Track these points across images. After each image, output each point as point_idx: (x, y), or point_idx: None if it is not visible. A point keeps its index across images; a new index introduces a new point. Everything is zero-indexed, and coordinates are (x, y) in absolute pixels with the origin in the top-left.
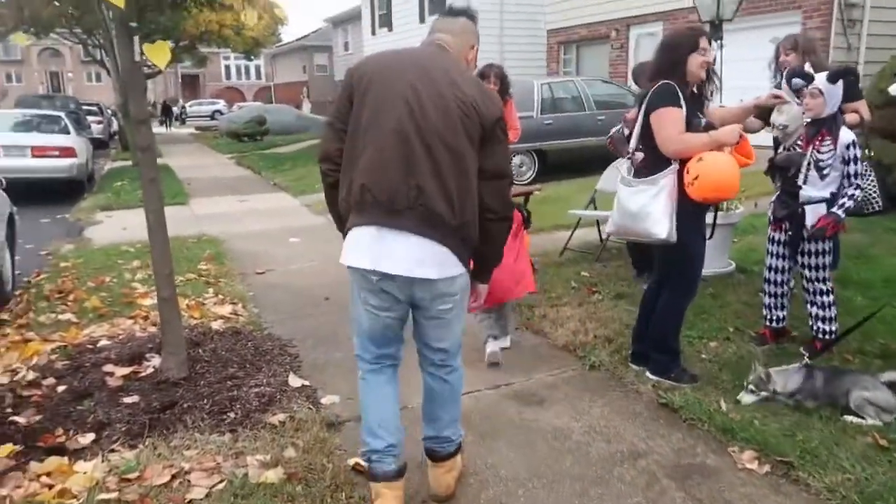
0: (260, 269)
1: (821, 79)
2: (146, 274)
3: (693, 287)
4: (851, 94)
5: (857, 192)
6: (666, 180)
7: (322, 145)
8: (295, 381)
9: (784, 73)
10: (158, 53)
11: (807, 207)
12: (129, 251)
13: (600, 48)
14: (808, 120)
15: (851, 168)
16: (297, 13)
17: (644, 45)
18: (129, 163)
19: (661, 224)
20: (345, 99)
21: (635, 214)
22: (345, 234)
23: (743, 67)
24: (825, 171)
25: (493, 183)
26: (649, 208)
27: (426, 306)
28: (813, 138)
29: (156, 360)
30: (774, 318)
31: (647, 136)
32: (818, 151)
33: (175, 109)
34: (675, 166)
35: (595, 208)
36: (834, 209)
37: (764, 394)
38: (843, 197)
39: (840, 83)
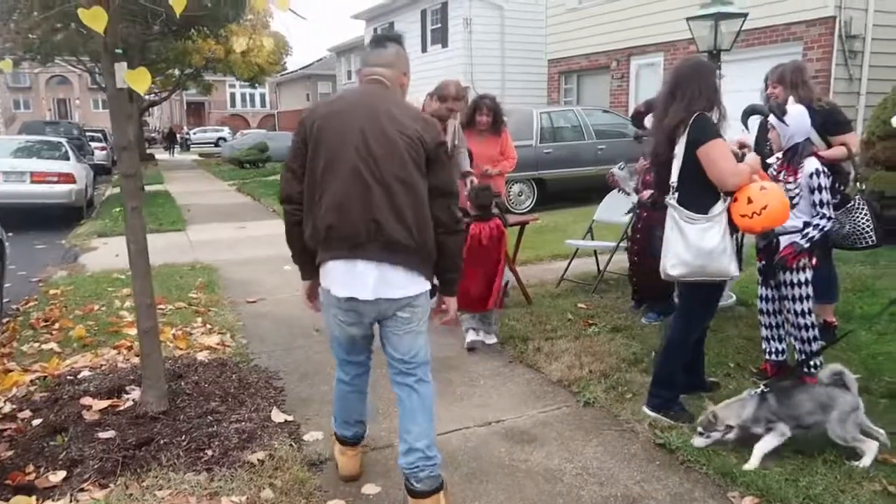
0: (251, 297)
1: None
2: None
3: (709, 321)
4: (835, 126)
5: (824, 222)
6: (724, 214)
7: (283, 188)
8: (278, 416)
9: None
10: (138, 80)
11: (781, 237)
12: (120, 278)
13: (601, 78)
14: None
15: (817, 197)
16: (303, 43)
17: (644, 76)
18: None
19: (733, 261)
20: (300, 143)
21: (710, 252)
22: (304, 267)
23: (743, 98)
24: (794, 202)
25: (441, 200)
26: (723, 245)
27: (390, 319)
28: (778, 171)
29: (136, 393)
30: (774, 350)
31: (690, 170)
32: (785, 183)
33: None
34: (728, 199)
35: (592, 238)
36: (797, 238)
37: (715, 435)
38: (808, 227)
39: (799, 115)
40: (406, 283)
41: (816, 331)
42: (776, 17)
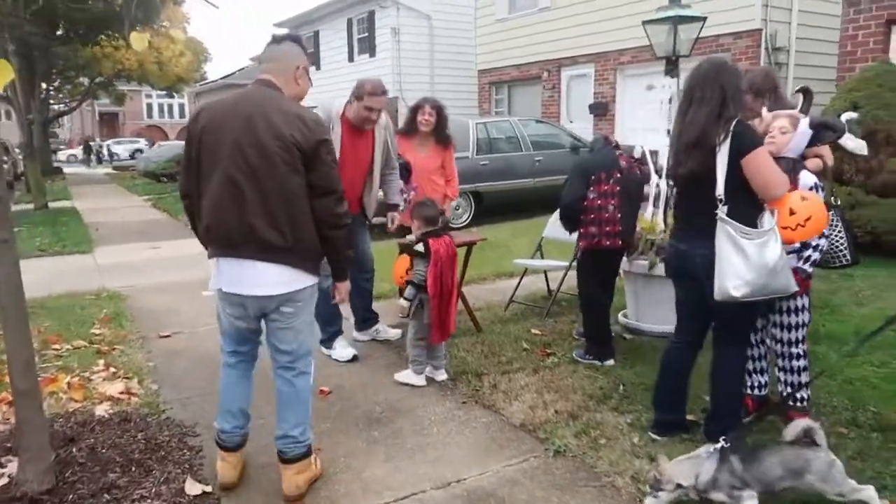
0: (165, 331)
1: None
2: None
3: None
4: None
5: (823, 241)
6: (775, 227)
7: (181, 184)
8: (193, 487)
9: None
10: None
11: None
12: None
13: (532, 88)
14: None
15: None
16: (224, 51)
17: (576, 86)
18: (32, 206)
19: (791, 276)
20: (188, 145)
21: (774, 269)
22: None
23: (673, 108)
24: None
25: (323, 199)
26: (783, 259)
27: (273, 314)
28: None
29: (13, 466)
30: (756, 384)
31: (734, 182)
32: None
33: (70, 151)
34: (774, 211)
35: (542, 257)
36: (799, 264)
37: (665, 495)
38: (807, 248)
39: (804, 130)
40: (285, 280)
41: (807, 360)
42: (705, 29)
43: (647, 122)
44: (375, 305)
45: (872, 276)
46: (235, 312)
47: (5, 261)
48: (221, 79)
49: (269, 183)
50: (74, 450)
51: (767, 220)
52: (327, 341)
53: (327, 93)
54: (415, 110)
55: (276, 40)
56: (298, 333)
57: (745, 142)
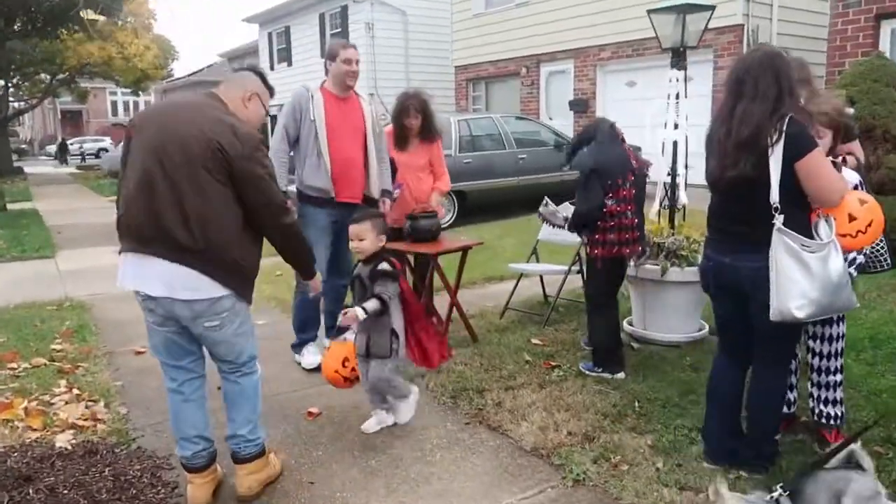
0: (133, 345)
1: None
2: None
3: None
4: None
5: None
6: (835, 236)
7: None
8: None
9: None
10: None
11: None
12: None
13: (510, 85)
14: None
15: None
16: (191, 47)
17: (555, 83)
18: None
19: (852, 290)
20: (125, 145)
21: (838, 285)
22: None
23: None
24: None
25: (265, 215)
26: (846, 272)
27: (190, 325)
28: None
29: None
30: (785, 401)
31: (789, 187)
32: None
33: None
34: (830, 218)
35: (538, 260)
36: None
37: None
38: (852, 251)
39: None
40: (192, 285)
41: (842, 375)
42: None
43: (653, 117)
44: None
45: (873, 278)
46: (155, 319)
47: None
48: (188, 75)
49: (185, 182)
50: (31, 491)
51: (824, 228)
52: (298, 346)
53: None
54: (399, 112)
55: (237, 69)
56: (233, 345)
57: (800, 143)
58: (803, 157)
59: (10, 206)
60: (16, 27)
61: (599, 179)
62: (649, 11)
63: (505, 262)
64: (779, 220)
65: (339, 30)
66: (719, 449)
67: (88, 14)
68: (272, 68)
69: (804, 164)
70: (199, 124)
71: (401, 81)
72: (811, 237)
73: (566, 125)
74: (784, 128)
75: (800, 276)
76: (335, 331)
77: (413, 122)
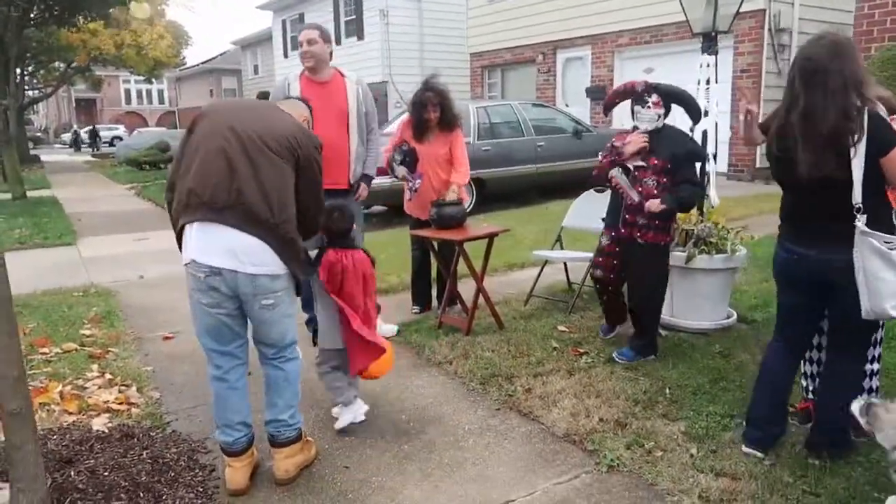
0: (162, 330)
1: None
2: None
3: None
4: None
5: None
6: None
7: (169, 177)
8: None
9: None
10: None
11: None
12: None
13: (526, 72)
14: None
15: None
16: (205, 35)
17: (572, 69)
18: (9, 196)
19: None
20: (187, 133)
21: None
22: (179, 239)
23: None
24: None
25: (307, 199)
26: None
27: (249, 302)
28: None
29: (4, 493)
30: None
31: (872, 184)
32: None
33: (67, 135)
34: None
35: (562, 247)
36: None
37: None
38: None
39: None
40: (263, 259)
41: (881, 363)
42: None
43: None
44: (379, 299)
45: None
46: (212, 300)
47: None
48: (202, 63)
49: (264, 161)
50: (73, 473)
51: None
52: (311, 322)
53: None
54: (419, 105)
55: (288, 97)
56: (281, 326)
57: (884, 138)
58: (889, 152)
59: (29, 194)
60: (32, 15)
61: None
62: None
63: (526, 249)
64: (861, 220)
65: (353, 16)
66: (766, 436)
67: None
68: (286, 55)
69: (890, 159)
70: (276, 118)
71: (415, 69)
72: (893, 229)
73: (583, 112)
74: (864, 123)
75: (890, 276)
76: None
77: (432, 114)
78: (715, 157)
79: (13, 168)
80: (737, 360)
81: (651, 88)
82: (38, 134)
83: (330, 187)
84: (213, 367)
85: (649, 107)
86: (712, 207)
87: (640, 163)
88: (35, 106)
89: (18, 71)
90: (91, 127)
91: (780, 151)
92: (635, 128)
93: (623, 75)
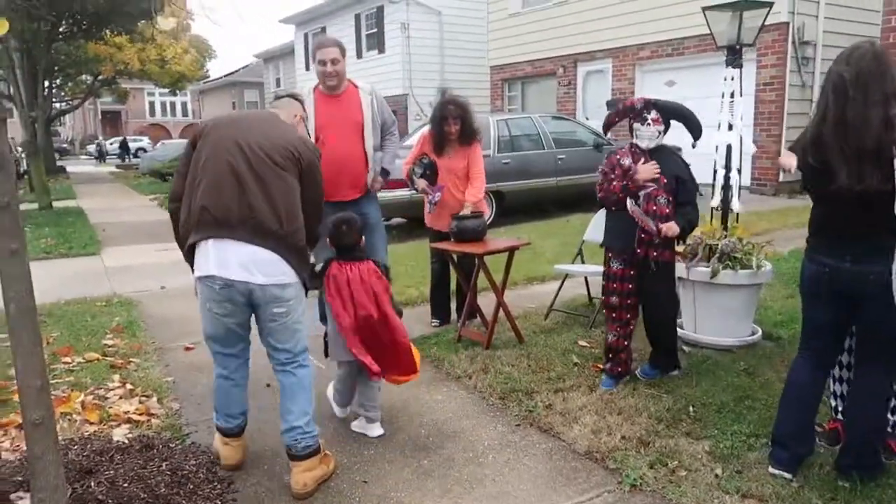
0: (183, 340)
1: None
2: None
3: None
4: None
5: None
6: None
7: (173, 187)
8: None
9: None
10: None
11: None
12: None
13: (547, 85)
14: None
15: None
16: (228, 48)
17: (593, 82)
18: (36, 206)
19: None
20: (189, 147)
21: None
22: (188, 254)
23: (698, 105)
24: None
25: (312, 206)
26: None
27: (262, 309)
28: None
29: (24, 503)
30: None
31: None
32: None
33: (93, 147)
34: None
35: (583, 261)
36: None
37: None
38: None
39: None
40: (275, 270)
41: None
42: None
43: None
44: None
45: None
46: (223, 310)
47: (15, 276)
48: (225, 76)
49: (271, 175)
50: (93, 483)
51: None
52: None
53: None
54: (440, 118)
55: (279, 96)
56: (293, 332)
57: None
58: None
59: (55, 204)
60: (61, 29)
61: None
62: (704, 8)
63: (546, 262)
64: None
65: (374, 30)
66: (793, 456)
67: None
68: (307, 68)
69: None
70: (278, 131)
71: (436, 82)
72: None
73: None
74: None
75: None
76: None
77: (452, 128)
78: (739, 170)
79: (40, 178)
80: (762, 378)
81: (650, 105)
82: (65, 145)
83: (346, 198)
84: (220, 367)
85: (649, 124)
86: (736, 223)
87: (652, 186)
88: (62, 118)
89: (47, 83)
90: (122, 138)
91: (818, 163)
92: (634, 145)
93: (644, 88)
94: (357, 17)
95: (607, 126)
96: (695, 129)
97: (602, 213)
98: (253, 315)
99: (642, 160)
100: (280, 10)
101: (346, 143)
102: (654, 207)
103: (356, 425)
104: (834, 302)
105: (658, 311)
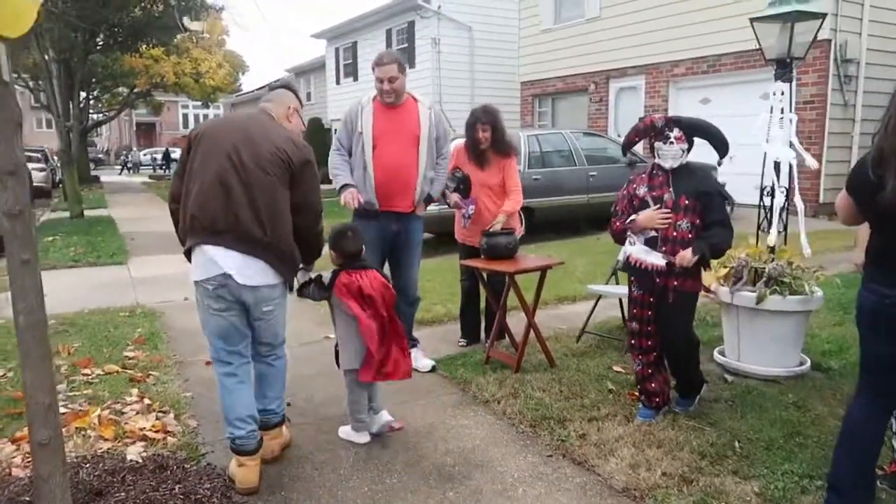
0: (204, 354)
1: None
2: (57, 364)
3: None
4: None
5: None
6: None
7: (171, 190)
8: None
9: None
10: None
11: None
12: None
13: (577, 101)
14: None
15: None
16: (260, 62)
17: (625, 99)
18: (68, 214)
19: None
20: (185, 153)
21: None
22: (188, 254)
23: (734, 123)
24: None
25: (304, 215)
26: None
27: (251, 309)
28: None
29: None
30: None
31: None
32: None
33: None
34: None
35: (617, 282)
36: None
37: None
38: None
39: None
40: (263, 272)
41: None
42: None
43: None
44: (424, 330)
45: None
46: (221, 305)
47: (26, 287)
48: (258, 89)
49: (257, 184)
50: None
51: None
52: None
53: None
54: (470, 129)
55: (272, 87)
56: (276, 327)
57: None
58: None
59: (86, 213)
60: (98, 41)
61: None
62: (752, 20)
63: (577, 281)
64: None
65: (405, 45)
66: (850, 503)
67: (188, 23)
68: (338, 83)
69: None
70: (267, 137)
71: (466, 97)
72: None
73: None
74: None
75: None
76: None
77: (483, 134)
78: (787, 191)
79: (73, 187)
80: (813, 413)
81: (672, 122)
82: (100, 155)
83: (392, 210)
84: (223, 364)
85: (672, 142)
86: (784, 244)
87: (653, 233)
88: (98, 128)
89: (84, 95)
90: (165, 149)
91: (876, 177)
92: (657, 165)
93: (678, 105)
94: (388, 33)
95: (627, 146)
96: (720, 147)
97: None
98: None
99: (653, 205)
100: (312, 25)
101: (401, 153)
102: (675, 233)
103: (342, 431)
104: (894, 335)
105: (675, 345)
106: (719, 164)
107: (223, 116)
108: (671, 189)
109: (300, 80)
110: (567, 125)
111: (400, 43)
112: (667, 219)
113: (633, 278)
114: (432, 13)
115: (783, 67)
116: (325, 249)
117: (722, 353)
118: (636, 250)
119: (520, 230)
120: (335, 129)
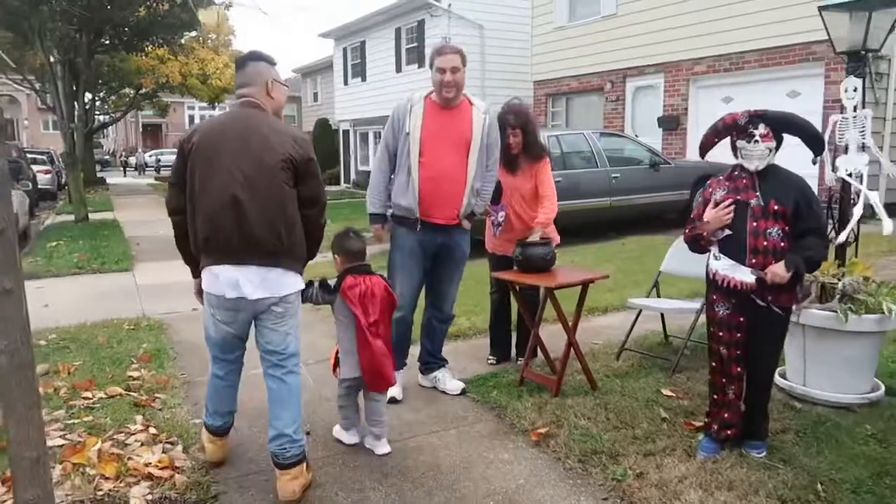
0: None
1: None
2: (56, 385)
3: None
4: None
5: None
6: None
7: (169, 201)
8: None
9: None
10: None
11: None
12: (38, 344)
13: (593, 100)
14: None
15: None
16: None
17: (642, 98)
18: (73, 217)
19: None
20: (180, 163)
21: None
22: (193, 268)
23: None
24: None
25: (310, 210)
26: None
27: (265, 313)
28: None
29: None
30: None
31: None
32: None
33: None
34: None
35: (658, 295)
36: None
37: None
38: None
39: None
40: (280, 283)
41: None
42: (794, 36)
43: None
44: (449, 345)
45: None
46: (227, 318)
47: (8, 322)
48: None
49: (266, 193)
50: None
51: None
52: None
53: (374, 104)
54: (501, 125)
55: (241, 64)
56: (287, 335)
57: None
58: None
59: (92, 216)
60: (104, 40)
61: None
62: (821, 8)
63: (606, 291)
64: None
65: (415, 44)
66: None
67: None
68: (346, 83)
69: None
70: (267, 141)
71: (477, 96)
72: None
73: (654, 143)
74: None
75: None
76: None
77: (512, 139)
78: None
79: (77, 190)
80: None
81: (756, 118)
82: (106, 157)
83: (435, 221)
84: (216, 368)
85: (757, 141)
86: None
87: (726, 232)
88: (104, 130)
89: (89, 96)
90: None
91: None
92: (739, 166)
93: (698, 105)
94: (397, 31)
95: (704, 147)
96: (814, 142)
97: (681, 240)
98: (252, 322)
99: (723, 205)
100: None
101: (449, 160)
102: (765, 242)
103: (366, 442)
104: None
105: (765, 368)
106: (814, 162)
107: (213, 121)
108: (758, 193)
109: (306, 80)
110: (582, 125)
111: (409, 42)
112: (728, 208)
113: (714, 296)
114: (443, 11)
115: (857, 61)
116: (329, 256)
117: (783, 376)
118: (721, 266)
119: (558, 240)
120: (342, 130)
